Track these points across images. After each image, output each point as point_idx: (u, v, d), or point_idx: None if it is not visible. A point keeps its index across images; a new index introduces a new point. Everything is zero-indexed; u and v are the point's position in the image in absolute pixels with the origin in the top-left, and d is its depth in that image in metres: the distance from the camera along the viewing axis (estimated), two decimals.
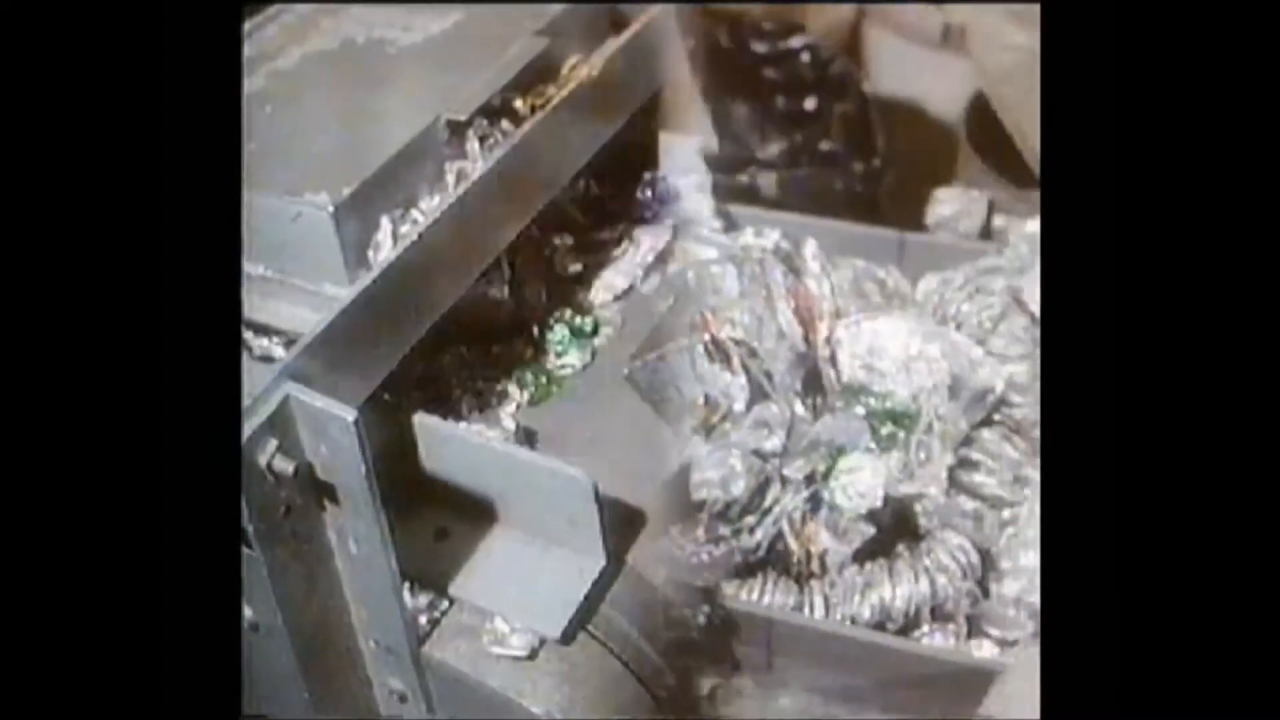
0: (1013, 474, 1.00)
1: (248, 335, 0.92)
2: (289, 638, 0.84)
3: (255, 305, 0.93)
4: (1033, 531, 0.96)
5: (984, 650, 0.95)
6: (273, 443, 0.77)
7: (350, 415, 0.76)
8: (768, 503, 0.96)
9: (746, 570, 0.98)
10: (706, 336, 0.93)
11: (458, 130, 1.01)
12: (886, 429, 1.00)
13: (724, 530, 0.96)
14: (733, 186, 1.48)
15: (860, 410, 1.01)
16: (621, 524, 0.97)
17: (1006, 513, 0.99)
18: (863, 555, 0.98)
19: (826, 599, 0.96)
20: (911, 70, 1.76)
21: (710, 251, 1.18)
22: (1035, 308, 1.09)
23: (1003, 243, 1.25)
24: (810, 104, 1.64)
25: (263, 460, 0.76)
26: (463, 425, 0.99)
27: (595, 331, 1.08)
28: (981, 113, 1.54)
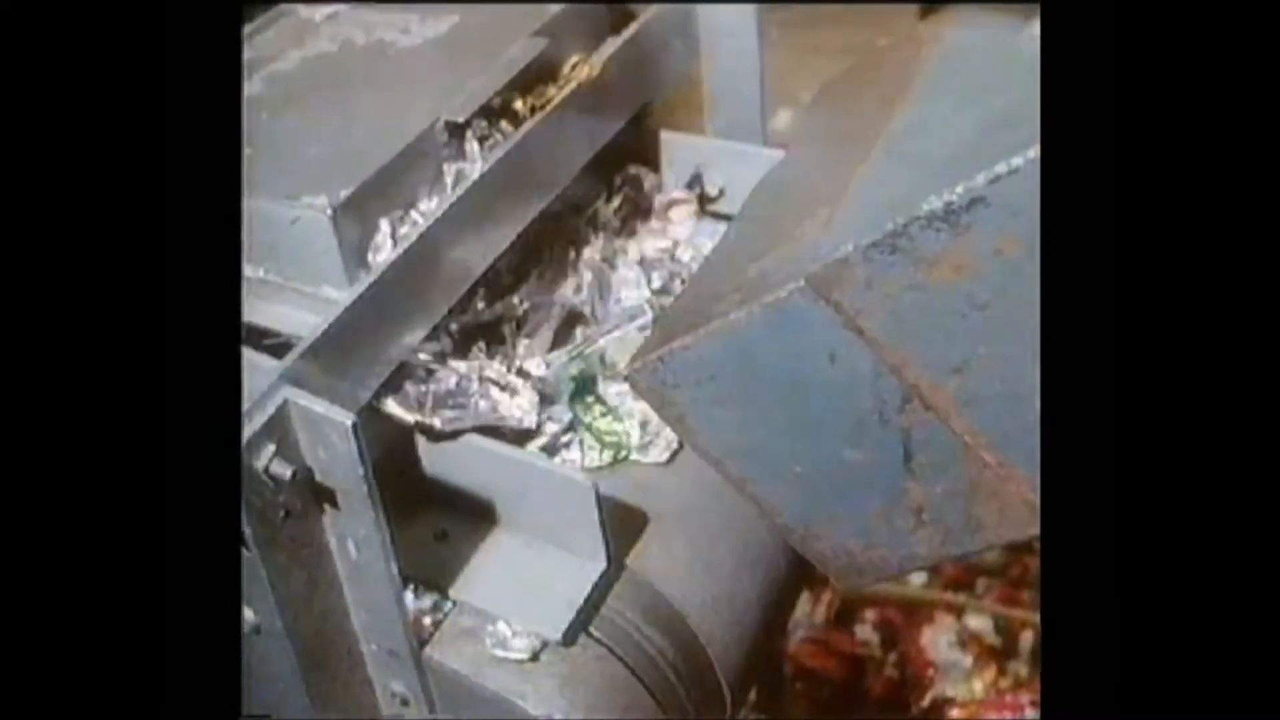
0: None
1: (247, 339, 0.91)
2: (290, 641, 0.84)
3: (254, 308, 0.93)
4: None
5: None
6: (270, 447, 0.77)
7: (348, 420, 0.76)
8: None
9: None
10: None
11: (457, 131, 1.00)
12: None
13: None
14: None
15: None
16: (622, 526, 0.97)
17: None
18: None
19: None
20: None
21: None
22: None
23: None
24: None
25: (260, 465, 0.76)
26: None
27: None
28: None
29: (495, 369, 1.01)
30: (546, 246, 1.14)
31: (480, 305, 1.06)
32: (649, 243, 1.18)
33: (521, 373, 1.03)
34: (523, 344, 1.06)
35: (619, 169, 1.23)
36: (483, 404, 0.97)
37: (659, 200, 1.22)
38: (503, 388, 0.99)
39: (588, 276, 1.13)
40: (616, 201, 1.21)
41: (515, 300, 1.08)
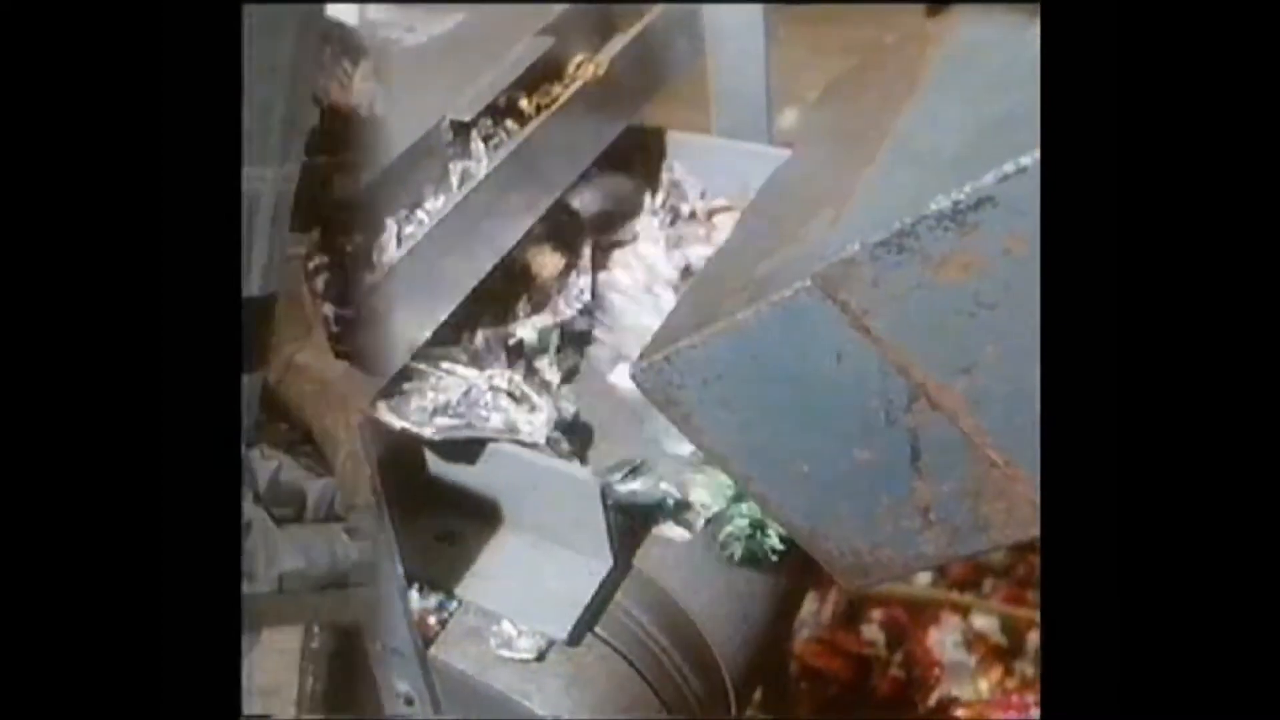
0: None
1: None
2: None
3: None
4: None
5: None
6: None
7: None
8: None
9: None
10: None
11: (462, 130, 1.00)
12: None
13: None
14: None
15: None
16: (628, 525, 0.96)
17: None
18: None
19: None
20: None
21: None
22: None
23: None
24: None
25: None
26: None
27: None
28: None
29: (510, 379, 0.98)
30: (590, 255, 1.14)
31: (521, 314, 1.05)
32: (694, 249, 1.17)
33: (543, 385, 1.02)
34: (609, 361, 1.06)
35: (657, 173, 1.23)
36: (494, 417, 0.95)
37: (701, 207, 1.22)
38: (517, 399, 0.97)
39: (657, 296, 1.12)
40: (659, 203, 1.20)
41: (562, 306, 1.08)
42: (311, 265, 0.90)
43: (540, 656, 0.90)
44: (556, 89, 1.06)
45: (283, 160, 0.74)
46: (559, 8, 1.12)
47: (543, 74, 1.07)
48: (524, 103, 1.05)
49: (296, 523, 0.84)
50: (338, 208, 0.93)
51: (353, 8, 1.18)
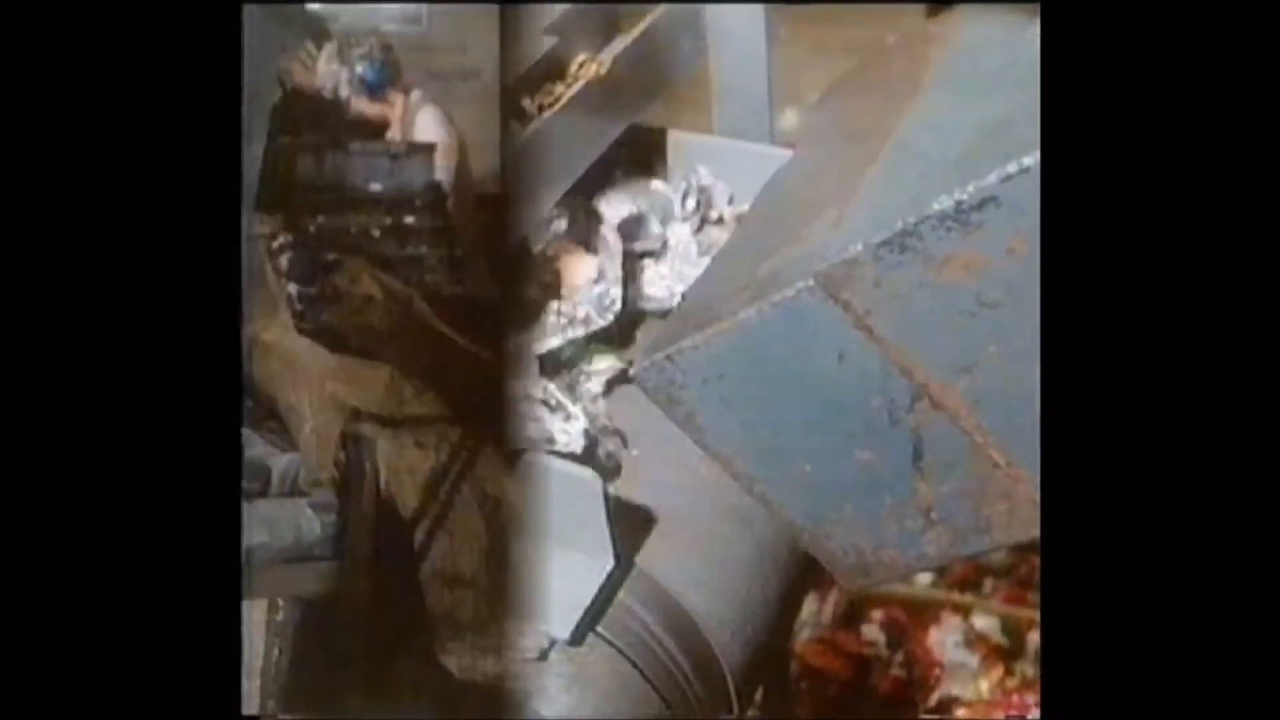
0: None
1: None
2: None
3: None
4: None
5: None
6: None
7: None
8: None
9: None
10: None
11: None
12: None
13: None
14: None
15: None
16: (630, 524, 0.96)
17: None
18: None
19: None
20: None
21: None
22: None
23: None
24: None
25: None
26: None
27: None
28: None
29: (545, 388, 0.98)
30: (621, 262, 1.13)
31: (553, 319, 1.06)
32: None
33: (578, 395, 1.02)
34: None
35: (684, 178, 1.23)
36: (531, 426, 0.95)
37: (729, 212, 1.21)
38: (553, 409, 0.97)
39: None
40: (689, 209, 1.20)
41: (593, 315, 1.08)
42: (275, 244, 0.91)
43: (543, 655, 0.90)
44: (559, 88, 1.06)
45: (247, 141, 0.74)
46: (560, 7, 1.12)
47: (545, 73, 1.07)
48: (526, 102, 1.05)
49: (262, 497, 0.85)
50: (302, 188, 0.93)
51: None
